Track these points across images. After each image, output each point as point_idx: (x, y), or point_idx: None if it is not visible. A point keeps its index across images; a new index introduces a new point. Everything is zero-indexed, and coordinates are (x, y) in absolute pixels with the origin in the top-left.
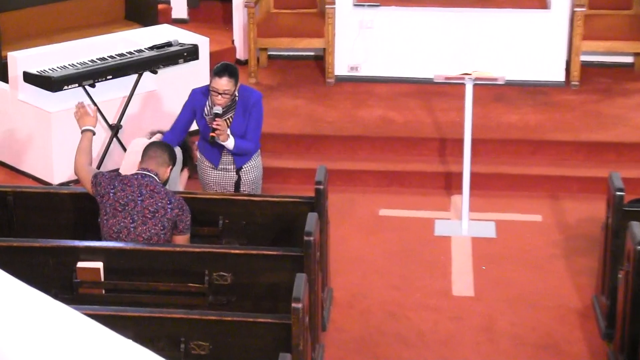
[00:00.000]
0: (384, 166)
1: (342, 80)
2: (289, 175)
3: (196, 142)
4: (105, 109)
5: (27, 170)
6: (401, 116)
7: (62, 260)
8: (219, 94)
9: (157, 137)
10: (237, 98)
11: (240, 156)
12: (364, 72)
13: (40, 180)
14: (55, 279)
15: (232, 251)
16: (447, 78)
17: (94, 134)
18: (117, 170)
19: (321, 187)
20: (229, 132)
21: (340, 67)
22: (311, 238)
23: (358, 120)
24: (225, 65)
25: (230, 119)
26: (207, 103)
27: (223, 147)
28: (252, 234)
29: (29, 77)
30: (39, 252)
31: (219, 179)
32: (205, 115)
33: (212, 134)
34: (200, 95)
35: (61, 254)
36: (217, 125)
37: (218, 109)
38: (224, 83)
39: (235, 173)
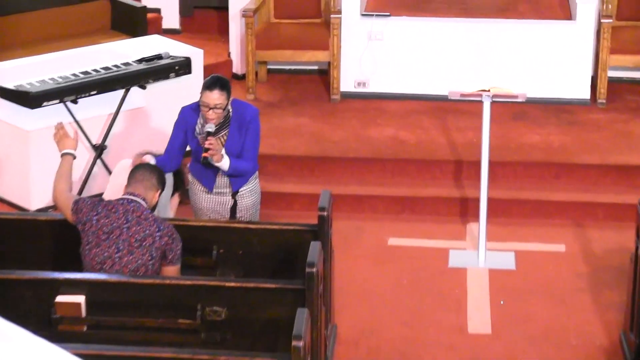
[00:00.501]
0: (394, 191)
1: (348, 96)
2: (290, 201)
3: (188, 164)
4: (89, 127)
5: (2, 194)
6: (413, 136)
7: (39, 293)
8: (210, 108)
9: (146, 159)
10: (230, 114)
11: (237, 178)
12: (373, 88)
13: (16, 206)
14: (33, 314)
15: (227, 284)
16: (463, 95)
17: (75, 157)
18: (100, 195)
19: (325, 213)
20: (223, 151)
21: (347, 82)
22: (314, 269)
23: (366, 140)
24: (215, 78)
25: (225, 137)
26: (198, 121)
27: (217, 169)
28: (249, 264)
29: (4, 92)
30: (14, 284)
31: (213, 204)
32: (197, 134)
33: (204, 154)
34: (191, 113)
35: (39, 287)
36: (209, 144)
37: (210, 127)
38: (215, 97)
39: (231, 197)
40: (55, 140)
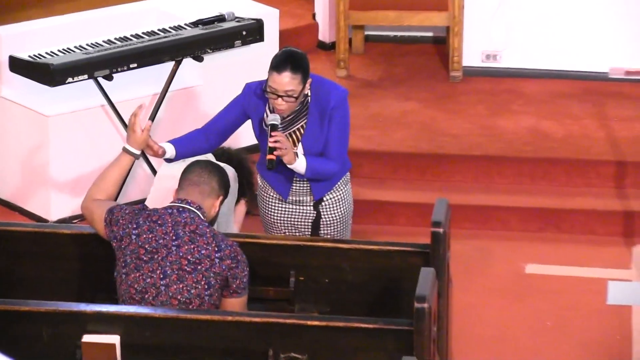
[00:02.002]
0: (533, 201)
1: (473, 73)
2: (393, 213)
3: (257, 163)
4: (127, 112)
5: (13, 200)
6: (561, 128)
7: (61, 331)
8: (279, 96)
9: (206, 156)
10: (309, 98)
11: (320, 183)
12: (506, 62)
13: (32, 214)
14: (52, 357)
15: (309, 322)
16: (628, 72)
17: (137, 158)
18: (142, 201)
19: (441, 230)
20: (300, 150)
21: (472, 54)
22: (425, 305)
23: (496, 133)
24: (287, 54)
25: (302, 130)
26: (266, 109)
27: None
28: (338, 297)
29: (16, 64)
30: (28, 318)
31: (289, 216)
32: (265, 127)
33: (269, 155)
34: (260, 93)
35: (60, 322)
36: (274, 142)
37: (275, 119)
38: (286, 81)
39: (312, 208)
40: (128, 124)
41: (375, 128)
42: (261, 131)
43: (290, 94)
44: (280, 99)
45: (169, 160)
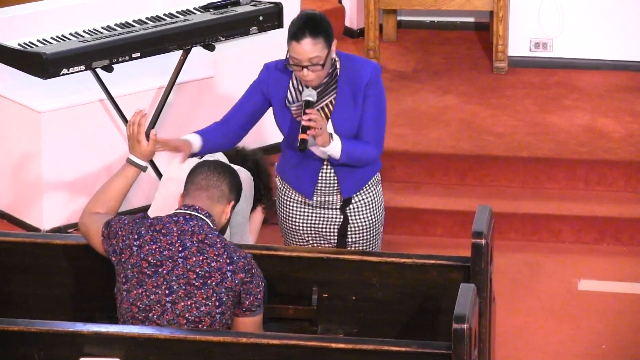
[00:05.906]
0: (588, 209)
1: (520, 64)
2: (429, 221)
3: (276, 163)
4: (129, 108)
5: (0, 207)
6: (620, 126)
7: (55, 354)
8: (304, 66)
9: (214, 156)
10: (337, 70)
11: (348, 179)
12: (558, 51)
13: (23, 223)
14: None
15: (334, 345)
16: None
17: (143, 171)
18: (145, 210)
19: (482, 241)
20: (331, 128)
21: (519, 42)
22: (464, 326)
23: (547, 131)
24: (303, 18)
25: (330, 107)
26: (289, 85)
27: (320, 162)
28: (366, 316)
29: (5, 54)
30: (18, 340)
31: (313, 221)
32: (288, 104)
33: (301, 135)
34: (279, 73)
35: (54, 344)
36: (308, 120)
37: (310, 95)
38: (308, 48)
39: (339, 211)
40: (127, 134)
41: (410, 126)
42: (283, 111)
43: (315, 62)
44: (305, 69)
45: (192, 155)
